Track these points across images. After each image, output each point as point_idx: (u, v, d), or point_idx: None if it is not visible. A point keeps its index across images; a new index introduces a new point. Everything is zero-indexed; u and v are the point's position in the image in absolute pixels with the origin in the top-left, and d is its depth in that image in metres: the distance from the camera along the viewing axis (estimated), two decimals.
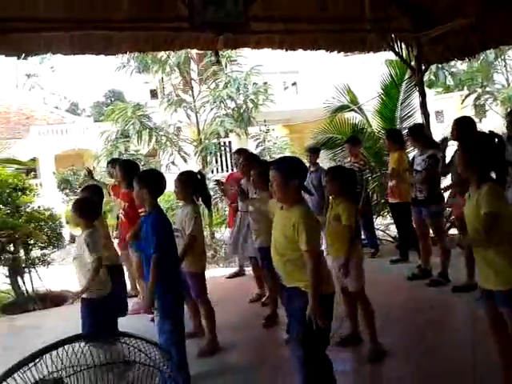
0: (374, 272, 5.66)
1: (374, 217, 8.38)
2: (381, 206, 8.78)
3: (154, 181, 3.70)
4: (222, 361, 4.17)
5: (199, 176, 4.39)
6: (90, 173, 6.72)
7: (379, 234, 8.75)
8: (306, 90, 18.56)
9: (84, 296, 3.83)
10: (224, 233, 8.39)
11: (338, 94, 9.99)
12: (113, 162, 6.34)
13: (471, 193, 2.96)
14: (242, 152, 6.00)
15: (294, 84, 19.79)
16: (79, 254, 3.85)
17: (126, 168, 5.46)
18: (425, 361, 3.75)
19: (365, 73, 15.09)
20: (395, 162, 6.21)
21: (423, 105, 7.59)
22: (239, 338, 4.56)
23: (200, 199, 4.39)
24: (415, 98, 8.61)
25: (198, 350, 4.19)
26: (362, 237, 7.06)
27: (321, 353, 2.94)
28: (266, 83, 12.22)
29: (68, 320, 5.62)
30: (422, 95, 7.62)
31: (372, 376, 3.81)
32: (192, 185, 4.26)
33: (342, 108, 10.03)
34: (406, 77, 8.77)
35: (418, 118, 8.34)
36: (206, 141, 11.24)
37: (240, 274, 6.61)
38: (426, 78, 10.29)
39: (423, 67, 7.65)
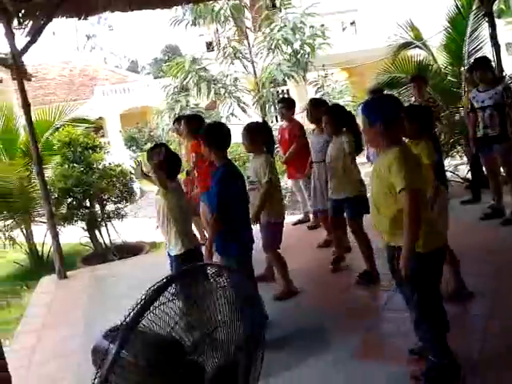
0: None
1: (443, 157, 8.11)
2: (449, 146, 8.45)
3: (218, 136, 3.69)
4: (294, 304, 4.28)
5: (264, 125, 4.41)
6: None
7: (448, 174, 8.49)
8: (365, 29, 17.79)
9: (173, 253, 3.81)
10: (287, 181, 8.39)
11: (400, 30, 9.51)
12: (178, 120, 6.38)
13: None
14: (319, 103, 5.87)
15: (353, 23, 19.01)
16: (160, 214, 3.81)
17: (189, 123, 5.56)
18: (500, 300, 3.70)
19: (429, 6, 14.23)
20: None
21: (493, 36, 7.13)
22: (308, 283, 4.65)
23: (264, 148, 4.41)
24: (484, 30, 8.04)
25: (272, 295, 4.30)
26: None
27: (435, 313, 2.83)
28: (323, 25, 11.75)
29: (143, 268, 5.96)
30: (492, 26, 7.15)
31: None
32: (259, 136, 4.28)
33: (405, 45, 9.55)
34: (474, 7, 8.19)
35: (488, 52, 7.83)
36: (264, 90, 11.12)
37: (304, 221, 6.66)
38: (495, 7, 9.56)
39: None
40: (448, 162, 8.79)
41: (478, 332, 3.32)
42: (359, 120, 7.34)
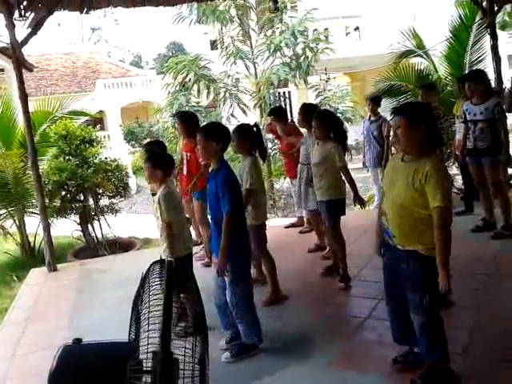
0: None
1: None
2: (446, 157, 8.46)
3: (221, 134, 3.63)
4: (279, 308, 4.29)
5: (255, 128, 4.39)
6: None
7: None
8: (369, 35, 17.81)
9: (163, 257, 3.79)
10: (283, 183, 8.41)
11: (403, 38, 9.54)
12: (176, 115, 6.36)
13: None
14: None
15: (357, 29, 19.02)
16: (157, 215, 3.83)
17: (185, 120, 5.60)
18: (485, 312, 3.72)
19: (432, 15, 14.25)
20: None
21: (494, 48, 7.14)
22: (297, 286, 4.67)
23: (257, 152, 4.41)
24: (486, 42, 8.07)
25: (261, 300, 4.27)
26: None
27: (438, 315, 2.89)
28: (326, 29, 11.77)
29: (134, 264, 5.93)
30: (494, 38, 7.15)
31: None
32: (249, 137, 4.27)
33: (407, 53, 9.60)
34: (477, 18, 8.21)
35: (489, 63, 7.85)
36: (265, 91, 11.11)
37: (298, 224, 6.66)
38: (498, 19, 9.58)
39: (496, 8, 7.13)
40: None
41: (461, 344, 3.32)
42: (362, 125, 7.37)
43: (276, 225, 7.19)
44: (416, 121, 2.77)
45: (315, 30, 11.51)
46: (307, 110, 5.38)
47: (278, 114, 6.35)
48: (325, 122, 4.59)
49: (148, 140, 5.31)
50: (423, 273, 2.76)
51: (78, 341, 2.10)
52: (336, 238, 4.67)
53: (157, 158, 3.94)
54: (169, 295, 1.85)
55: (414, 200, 2.73)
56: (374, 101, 7.15)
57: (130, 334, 2.06)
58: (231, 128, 4.14)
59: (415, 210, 2.74)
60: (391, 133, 3.83)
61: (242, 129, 4.32)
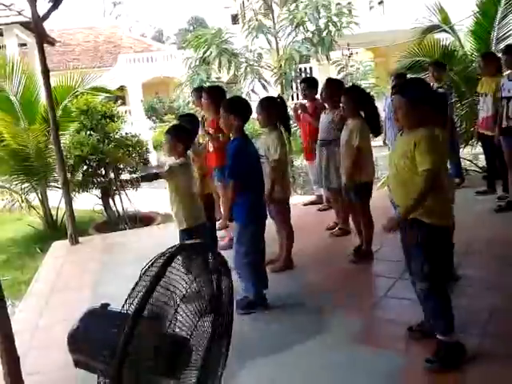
0: (457, 203, 5.48)
1: (462, 146, 7.98)
2: (469, 135, 8.30)
3: (242, 107, 3.72)
4: (293, 279, 4.36)
5: (280, 100, 4.38)
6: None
7: (466, 163, 8.37)
8: (393, 9, 17.34)
9: (182, 227, 3.94)
10: (303, 160, 8.35)
11: (428, 13, 9.28)
12: (196, 90, 6.20)
13: None
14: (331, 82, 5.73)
15: (381, 3, 18.53)
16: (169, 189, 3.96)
17: (214, 95, 5.19)
18: (506, 294, 3.68)
19: None
20: (492, 88, 5.75)
21: None
22: (313, 262, 4.70)
23: (281, 125, 4.41)
24: None
25: (271, 266, 4.38)
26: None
27: (443, 286, 2.92)
28: (349, 3, 11.48)
29: (154, 238, 6.04)
30: None
31: None
32: (274, 110, 4.26)
33: (432, 28, 9.33)
34: None
35: None
36: (287, 67, 10.97)
37: (317, 202, 6.64)
38: None
39: None
40: (468, 151, 8.67)
41: (480, 324, 3.30)
42: (384, 103, 7.21)
43: (295, 202, 7.17)
44: (416, 102, 2.82)
45: (338, 3, 11.23)
46: (333, 85, 5.25)
47: (310, 84, 6.14)
48: (354, 98, 4.48)
49: (176, 114, 5.23)
50: (423, 240, 2.81)
51: (105, 305, 2.13)
52: (364, 218, 4.60)
53: (179, 132, 3.99)
54: (168, 260, 1.87)
55: (408, 168, 2.81)
56: (400, 78, 6.82)
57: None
58: (253, 104, 4.13)
59: (410, 179, 2.81)
60: None
61: (267, 102, 4.33)
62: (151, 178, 4.03)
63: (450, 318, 2.89)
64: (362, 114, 4.53)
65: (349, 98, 4.51)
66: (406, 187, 2.84)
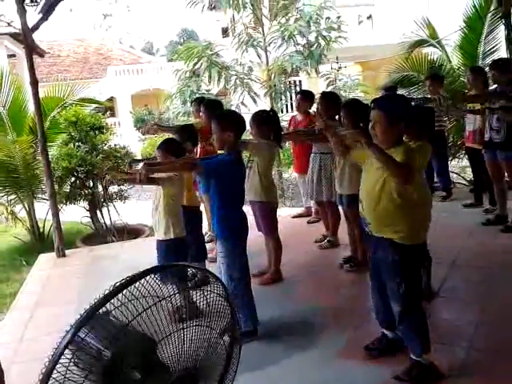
0: (444, 215, 5.53)
1: (450, 159, 8.05)
2: (456, 148, 8.39)
3: (238, 122, 3.56)
4: (281, 292, 4.35)
5: (272, 114, 4.41)
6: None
7: (453, 176, 8.44)
8: (382, 24, 17.56)
9: (160, 238, 3.91)
10: (292, 173, 8.37)
11: (416, 27, 9.41)
12: (196, 101, 6.16)
13: None
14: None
15: (370, 17, 18.75)
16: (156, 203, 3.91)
17: (211, 108, 5.23)
18: (486, 306, 3.70)
19: (446, 5, 14.03)
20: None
21: (509, 38, 7.03)
22: (301, 275, 4.68)
23: (271, 137, 4.42)
24: (501, 32, 7.96)
25: (260, 279, 4.40)
26: (435, 179, 6.85)
27: (419, 305, 2.88)
28: (339, 18, 11.59)
29: (142, 250, 5.98)
30: (509, 28, 7.06)
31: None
32: (268, 125, 4.28)
33: (419, 43, 9.47)
34: (492, 8, 8.09)
35: (503, 54, 7.74)
36: (275, 79, 11.02)
37: (305, 214, 6.64)
38: None
39: None
40: (455, 164, 8.75)
41: (465, 338, 3.30)
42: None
43: (284, 215, 7.17)
44: (395, 118, 2.74)
45: (328, 18, 11.34)
46: (329, 99, 5.24)
47: (306, 96, 6.13)
48: (354, 111, 4.44)
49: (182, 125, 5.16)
50: (398, 260, 2.76)
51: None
52: (358, 229, 4.52)
53: (169, 145, 4.03)
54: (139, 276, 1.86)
55: (383, 186, 2.74)
56: (390, 90, 6.81)
57: None
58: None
59: (385, 197, 2.74)
60: None
61: (260, 117, 4.38)
62: (146, 170, 3.70)
63: (427, 338, 2.85)
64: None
65: (348, 110, 4.51)
66: (380, 206, 2.77)
